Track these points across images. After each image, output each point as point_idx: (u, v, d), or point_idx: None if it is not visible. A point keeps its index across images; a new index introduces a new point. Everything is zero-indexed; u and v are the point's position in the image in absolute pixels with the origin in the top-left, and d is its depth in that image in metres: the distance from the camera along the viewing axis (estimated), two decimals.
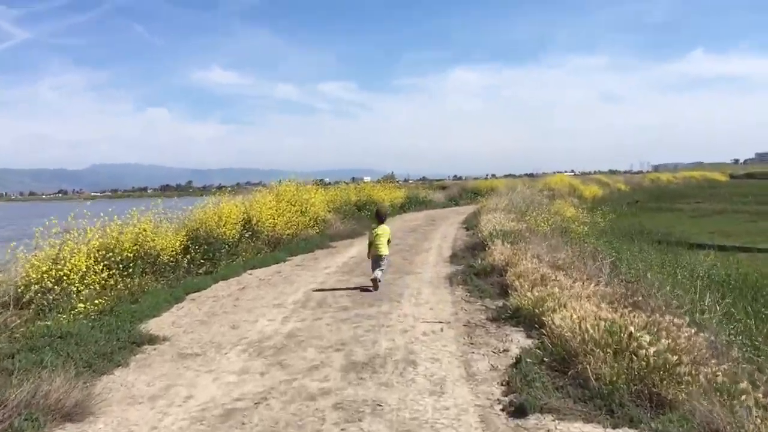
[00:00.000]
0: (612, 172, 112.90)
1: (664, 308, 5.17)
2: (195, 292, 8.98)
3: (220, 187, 15.59)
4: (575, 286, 6.48)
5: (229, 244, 11.18)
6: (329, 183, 31.84)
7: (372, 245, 8.73)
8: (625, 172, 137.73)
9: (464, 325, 6.25)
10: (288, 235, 13.33)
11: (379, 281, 8.50)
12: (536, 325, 5.63)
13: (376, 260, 8.64)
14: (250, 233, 12.31)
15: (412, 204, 28.33)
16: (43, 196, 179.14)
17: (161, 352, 5.78)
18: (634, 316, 4.66)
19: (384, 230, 8.78)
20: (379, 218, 9.00)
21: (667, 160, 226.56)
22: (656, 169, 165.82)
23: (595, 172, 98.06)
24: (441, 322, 6.41)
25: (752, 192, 44.97)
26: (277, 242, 12.80)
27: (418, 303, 7.49)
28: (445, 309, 7.09)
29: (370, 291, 8.37)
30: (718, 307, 6.39)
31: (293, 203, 14.73)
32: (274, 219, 12.88)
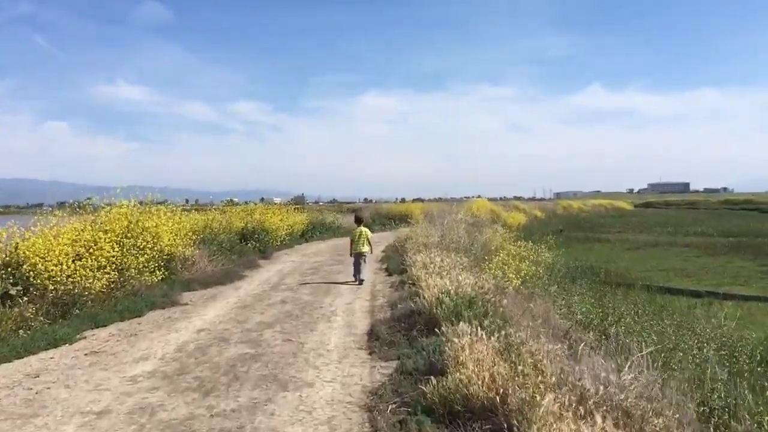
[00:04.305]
0: (517, 198, 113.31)
1: None
2: None
3: None
4: None
5: None
6: (238, 203, 28.91)
7: (353, 244, 10.16)
8: (529, 199, 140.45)
9: None
10: (101, 289, 8.06)
11: (362, 280, 9.98)
12: None
13: (357, 258, 10.05)
14: (20, 288, 7.03)
15: (316, 230, 23.24)
16: None
17: None
18: None
19: (364, 231, 10.31)
20: (358, 221, 10.92)
21: (567, 188, 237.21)
22: (558, 196, 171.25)
23: (501, 198, 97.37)
24: None
25: (666, 222, 44.00)
26: (73, 302, 7.50)
27: None
28: None
29: None
30: None
31: (125, 234, 9.48)
32: (69, 263, 7.59)
